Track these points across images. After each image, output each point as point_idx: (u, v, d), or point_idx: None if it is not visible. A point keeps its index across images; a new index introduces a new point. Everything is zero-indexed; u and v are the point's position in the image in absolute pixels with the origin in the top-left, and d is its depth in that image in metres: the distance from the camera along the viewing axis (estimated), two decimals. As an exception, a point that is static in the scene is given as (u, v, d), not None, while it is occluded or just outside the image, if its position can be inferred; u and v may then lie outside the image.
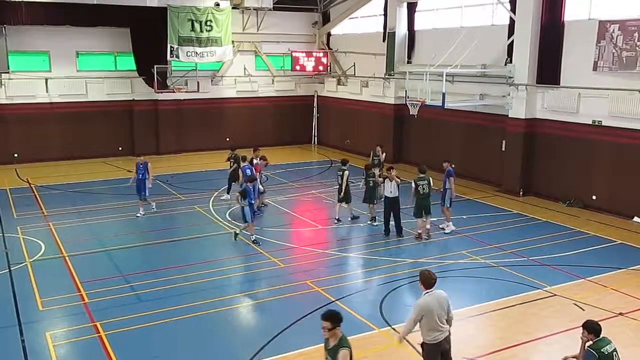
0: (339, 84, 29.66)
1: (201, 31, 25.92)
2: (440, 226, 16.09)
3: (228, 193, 19.16)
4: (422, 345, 7.79)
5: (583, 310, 11.03)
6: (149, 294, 11.82)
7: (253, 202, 15.31)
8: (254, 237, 14.92)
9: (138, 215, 17.26)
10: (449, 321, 7.75)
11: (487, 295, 11.70)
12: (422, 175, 15.03)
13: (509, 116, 20.17)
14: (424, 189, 14.96)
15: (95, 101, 26.23)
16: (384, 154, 19.90)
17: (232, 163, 19.03)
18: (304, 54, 28.95)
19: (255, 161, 17.99)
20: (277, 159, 25.27)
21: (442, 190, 16.09)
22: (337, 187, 17.16)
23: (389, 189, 15.38)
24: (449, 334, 7.77)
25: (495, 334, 10.23)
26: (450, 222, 15.93)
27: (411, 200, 15.17)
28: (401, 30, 24.80)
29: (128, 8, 25.03)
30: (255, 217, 15.65)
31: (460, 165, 20.45)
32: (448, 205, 15.89)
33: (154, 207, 17.72)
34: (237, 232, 15.22)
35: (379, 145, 20.02)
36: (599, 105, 17.69)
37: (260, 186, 17.43)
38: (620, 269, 13.27)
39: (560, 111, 18.85)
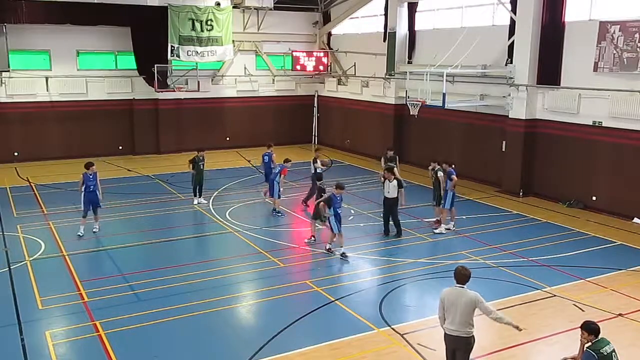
0: (339, 83, 29.67)
1: (202, 30, 25.90)
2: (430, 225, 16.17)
3: (200, 195, 18.82)
4: None
5: (582, 310, 11.03)
6: (148, 293, 11.82)
7: (340, 211, 14.19)
8: (343, 250, 13.99)
9: (79, 234, 15.27)
10: (496, 320, 7.81)
11: (487, 295, 11.52)
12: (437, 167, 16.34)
13: (509, 116, 20.17)
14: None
15: (95, 100, 26.24)
16: (397, 156, 18.84)
17: (195, 165, 18.32)
18: (304, 54, 28.95)
19: (318, 161, 18.24)
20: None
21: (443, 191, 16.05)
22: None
23: (387, 190, 15.40)
24: (464, 337, 7.68)
25: (495, 334, 10.21)
26: (443, 226, 15.85)
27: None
28: (402, 30, 24.79)
29: (129, 7, 25.05)
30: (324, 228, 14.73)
31: (460, 166, 20.36)
32: (448, 207, 15.82)
33: (97, 227, 15.66)
34: (329, 246, 14.24)
35: (390, 148, 19.12)
36: (599, 106, 17.69)
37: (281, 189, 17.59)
38: (620, 269, 13.28)
39: (561, 112, 18.85)
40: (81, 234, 15.25)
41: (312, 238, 15.00)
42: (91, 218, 15.60)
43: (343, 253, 13.96)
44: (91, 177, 15.40)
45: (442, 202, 15.85)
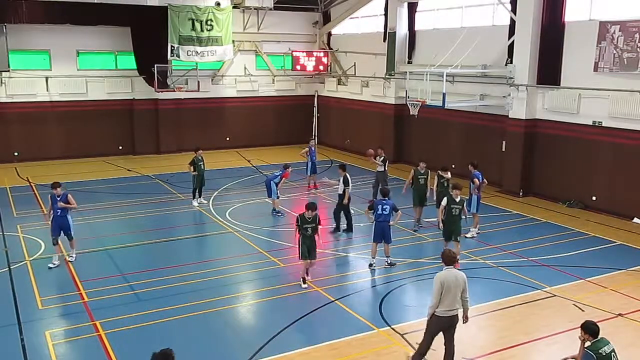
0: (339, 83, 29.67)
1: (202, 30, 25.90)
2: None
3: (200, 196, 18.74)
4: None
5: (582, 310, 11.04)
6: (148, 293, 11.82)
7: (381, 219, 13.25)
8: (390, 260, 13.46)
9: (51, 265, 13.10)
10: (464, 302, 8.35)
11: (487, 295, 11.69)
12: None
13: (509, 116, 20.18)
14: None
15: (95, 100, 26.25)
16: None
17: (195, 166, 18.14)
18: (304, 54, 28.94)
19: (380, 158, 18.49)
20: (276, 159, 25.31)
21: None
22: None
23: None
24: (457, 314, 8.35)
25: (495, 334, 10.23)
26: (474, 230, 15.67)
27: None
28: (402, 30, 24.80)
29: (129, 7, 25.04)
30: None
31: (460, 166, 20.46)
32: (475, 211, 15.59)
33: (73, 256, 13.56)
34: (388, 261, 13.44)
35: (422, 160, 16.81)
36: (599, 106, 17.70)
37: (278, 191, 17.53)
38: (620, 269, 13.29)
39: (561, 112, 18.86)
40: (54, 265, 13.08)
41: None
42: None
43: (390, 263, 13.42)
44: (59, 199, 13.26)
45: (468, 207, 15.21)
